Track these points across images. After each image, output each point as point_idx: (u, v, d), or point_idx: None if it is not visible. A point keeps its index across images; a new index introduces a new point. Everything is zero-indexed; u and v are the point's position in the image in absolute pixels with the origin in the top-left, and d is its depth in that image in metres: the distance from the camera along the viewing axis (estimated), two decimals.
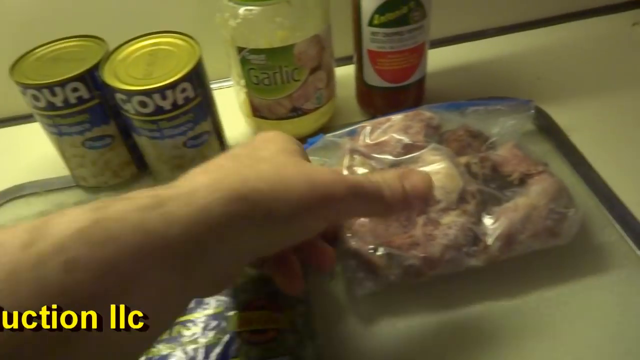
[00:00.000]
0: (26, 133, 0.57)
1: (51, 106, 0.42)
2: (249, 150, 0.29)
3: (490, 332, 0.35)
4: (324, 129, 0.53)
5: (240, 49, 0.44)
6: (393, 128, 0.42)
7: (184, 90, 0.41)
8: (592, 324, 0.35)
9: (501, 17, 0.65)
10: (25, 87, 0.42)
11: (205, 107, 0.44)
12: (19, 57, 0.44)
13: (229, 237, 0.23)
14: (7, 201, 0.50)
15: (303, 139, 0.44)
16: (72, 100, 0.42)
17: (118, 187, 0.49)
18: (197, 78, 0.42)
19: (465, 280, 0.37)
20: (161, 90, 0.40)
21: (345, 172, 0.39)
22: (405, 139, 0.41)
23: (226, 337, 0.32)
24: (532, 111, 0.45)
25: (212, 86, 0.57)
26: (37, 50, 0.45)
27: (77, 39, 0.46)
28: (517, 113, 0.45)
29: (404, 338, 0.36)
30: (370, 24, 0.45)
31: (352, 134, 0.44)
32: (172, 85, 0.40)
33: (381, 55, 0.47)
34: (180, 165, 0.46)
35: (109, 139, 0.46)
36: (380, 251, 0.36)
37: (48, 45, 0.45)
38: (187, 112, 0.42)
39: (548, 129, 0.50)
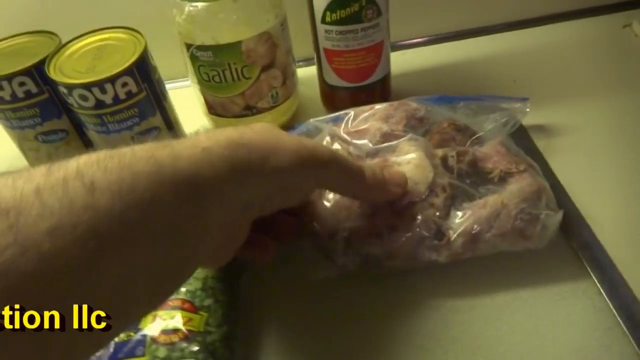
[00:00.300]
0: None
1: (0, 100, 0.43)
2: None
3: (440, 332, 0.34)
4: (284, 127, 0.52)
5: (188, 46, 0.44)
6: (375, 116, 0.42)
7: (125, 84, 0.41)
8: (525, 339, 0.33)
9: (482, 17, 0.62)
10: None
11: (153, 102, 0.44)
12: None
13: (231, 179, 0.25)
14: None
15: (288, 126, 0.45)
16: (20, 95, 0.43)
17: None
18: (140, 72, 0.41)
19: (425, 276, 0.36)
20: (100, 84, 0.40)
21: None
22: (385, 127, 0.40)
23: (137, 336, 0.32)
24: (528, 109, 0.44)
25: (177, 84, 0.57)
26: None
27: (32, 34, 0.46)
28: (510, 110, 0.43)
29: (348, 330, 0.35)
30: (323, 21, 0.44)
31: (337, 121, 0.43)
32: (111, 79, 0.40)
33: (337, 53, 0.46)
34: None
35: (62, 134, 0.46)
36: (339, 237, 0.35)
37: (4, 41, 0.46)
38: (131, 107, 0.42)
39: (517, 136, 0.48)
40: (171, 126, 0.47)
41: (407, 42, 0.62)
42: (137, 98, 0.42)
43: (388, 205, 0.35)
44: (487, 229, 0.34)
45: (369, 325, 0.35)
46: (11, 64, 0.43)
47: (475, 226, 0.34)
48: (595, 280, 0.35)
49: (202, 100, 0.49)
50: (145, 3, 0.55)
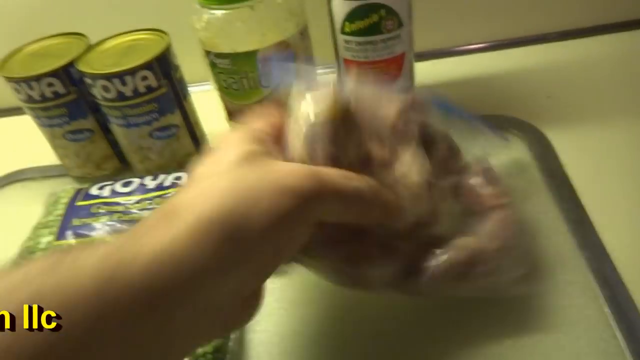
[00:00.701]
0: (30, 123, 0.61)
1: (30, 99, 0.45)
2: (207, 168, 0.26)
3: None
4: None
5: (207, 52, 0.44)
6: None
7: (144, 78, 0.42)
8: None
9: (516, 28, 0.59)
10: (7, 80, 0.45)
11: (172, 99, 0.45)
12: (9, 53, 0.47)
13: (202, 278, 0.21)
14: (8, 184, 0.54)
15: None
16: (48, 95, 0.45)
17: (102, 179, 0.51)
18: (160, 68, 0.43)
19: None
20: (120, 76, 0.42)
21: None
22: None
23: None
24: (507, 142, 0.41)
25: (202, 87, 0.58)
26: (26, 47, 0.48)
27: (63, 36, 0.48)
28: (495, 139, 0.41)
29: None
30: (343, 31, 0.43)
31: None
32: (131, 72, 0.42)
33: (356, 64, 0.45)
34: (148, 157, 0.47)
35: (88, 133, 0.48)
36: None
37: (36, 42, 0.48)
38: (150, 102, 0.43)
39: (543, 156, 0.45)
40: (191, 127, 0.48)
41: (434, 51, 0.60)
42: (157, 93, 0.43)
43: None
44: (458, 277, 0.32)
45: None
46: (42, 64, 0.45)
47: (447, 273, 0.32)
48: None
49: (223, 105, 0.49)
50: (172, 8, 0.56)
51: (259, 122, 0.30)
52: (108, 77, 0.42)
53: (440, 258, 0.32)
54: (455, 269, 0.32)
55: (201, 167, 0.27)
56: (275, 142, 0.29)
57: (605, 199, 0.41)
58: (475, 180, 0.37)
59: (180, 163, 0.49)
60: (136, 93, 0.43)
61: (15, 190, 0.54)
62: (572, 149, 0.45)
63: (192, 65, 0.48)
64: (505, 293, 0.33)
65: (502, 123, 0.49)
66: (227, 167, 0.25)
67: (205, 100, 0.51)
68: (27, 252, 0.41)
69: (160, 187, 0.44)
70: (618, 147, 0.45)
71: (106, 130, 0.49)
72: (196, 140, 0.49)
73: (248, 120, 0.30)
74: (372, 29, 0.42)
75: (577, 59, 0.56)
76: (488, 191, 0.36)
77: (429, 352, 0.33)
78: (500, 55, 0.59)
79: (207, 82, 0.59)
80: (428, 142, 0.36)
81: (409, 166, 0.33)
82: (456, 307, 0.34)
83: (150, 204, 0.42)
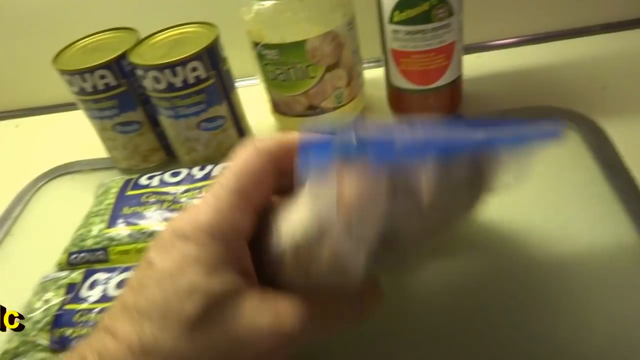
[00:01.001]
0: (81, 117, 0.63)
1: (83, 91, 0.46)
2: (133, 297, 0.22)
3: None
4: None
5: (255, 44, 0.44)
6: None
7: (194, 69, 0.43)
8: None
9: (569, 18, 0.58)
10: (61, 73, 0.46)
11: (220, 91, 0.45)
12: (63, 47, 0.48)
13: None
14: (56, 177, 0.55)
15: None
16: (100, 87, 0.46)
17: (148, 171, 0.52)
18: (209, 59, 0.44)
19: None
20: (171, 66, 0.42)
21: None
22: None
23: None
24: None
25: (247, 82, 0.59)
26: (79, 42, 0.49)
27: (114, 30, 0.49)
28: None
29: None
30: (391, 21, 0.43)
31: None
32: (182, 62, 0.42)
33: (404, 54, 0.44)
34: (194, 149, 0.47)
35: (137, 125, 0.49)
36: None
37: (89, 37, 0.49)
38: (199, 92, 0.44)
39: (599, 148, 0.44)
40: (237, 119, 0.48)
41: (484, 44, 0.59)
42: (205, 84, 0.44)
43: None
44: None
45: None
46: (94, 58, 0.46)
47: None
48: None
49: (268, 98, 0.49)
50: (220, 1, 0.57)
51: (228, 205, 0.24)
52: (159, 68, 0.42)
53: None
54: None
55: (128, 290, 0.23)
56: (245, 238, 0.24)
57: None
58: None
59: (225, 155, 0.49)
60: (186, 84, 0.43)
61: (64, 182, 0.55)
62: (629, 140, 0.44)
63: (237, 61, 0.49)
64: None
65: (554, 115, 0.47)
66: (161, 301, 0.21)
67: (249, 96, 0.52)
68: (79, 240, 0.42)
69: (207, 177, 0.44)
70: None
71: (154, 123, 0.49)
72: (241, 132, 0.49)
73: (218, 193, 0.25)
74: (423, 18, 0.42)
75: (630, 51, 0.54)
76: None
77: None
78: (549, 48, 0.57)
79: (251, 78, 0.60)
80: None
81: None
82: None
83: (199, 192, 0.43)
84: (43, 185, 0.55)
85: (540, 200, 0.40)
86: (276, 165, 0.26)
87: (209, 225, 0.23)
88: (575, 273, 0.35)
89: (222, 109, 0.46)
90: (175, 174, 0.45)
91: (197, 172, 0.45)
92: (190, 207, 0.25)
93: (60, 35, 0.50)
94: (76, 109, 0.64)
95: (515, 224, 0.35)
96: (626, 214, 0.38)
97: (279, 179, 0.26)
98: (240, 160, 0.26)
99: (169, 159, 0.53)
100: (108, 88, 0.46)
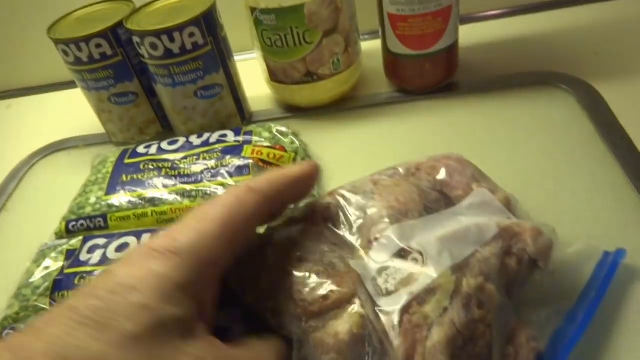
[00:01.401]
0: (74, 96, 0.62)
1: (78, 61, 0.46)
2: (77, 301, 0.21)
3: None
4: (346, 99, 0.51)
5: (252, 10, 0.44)
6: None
7: (192, 34, 0.43)
8: None
9: None
10: (56, 42, 0.45)
11: (217, 58, 0.45)
12: (58, 18, 0.48)
13: None
14: (51, 153, 0.55)
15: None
16: (96, 56, 0.45)
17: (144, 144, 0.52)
18: (206, 25, 0.43)
19: None
20: (169, 32, 0.42)
21: None
22: None
23: None
24: None
25: (243, 56, 0.58)
26: (74, 13, 0.49)
27: (111, 2, 0.49)
28: None
29: None
30: None
31: None
32: (180, 28, 0.42)
33: (401, 18, 0.45)
34: (192, 118, 0.47)
35: (133, 96, 0.49)
36: None
37: (86, 8, 0.49)
38: (196, 59, 0.44)
39: (595, 109, 0.44)
40: (234, 88, 0.48)
41: (479, 14, 0.60)
42: (203, 51, 0.44)
43: None
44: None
45: None
46: (90, 27, 0.45)
47: None
48: None
49: (265, 67, 0.49)
50: None
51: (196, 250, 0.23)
52: (156, 33, 0.42)
53: None
54: None
55: (83, 306, 0.20)
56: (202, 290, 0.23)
57: None
58: None
59: (222, 124, 0.49)
60: (183, 50, 0.43)
61: (59, 158, 0.54)
62: (622, 100, 0.44)
63: (233, 34, 0.49)
64: None
65: (550, 79, 0.48)
66: (116, 338, 0.19)
67: (246, 69, 0.52)
68: (77, 208, 0.42)
69: (205, 143, 0.44)
70: None
71: (150, 94, 0.49)
72: (238, 101, 0.49)
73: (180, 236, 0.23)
74: None
75: (620, 19, 0.55)
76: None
77: None
78: (542, 17, 0.58)
79: (247, 52, 0.60)
80: None
81: None
82: None
83: (197, 159, 0.42)
84: (38, 161, 0.54)
85: (539, 159, 0.41)
86: (268, 204, 0.26)
87: (187, 246, 0.22)
88: (576, 226, 0.35)
89: (219, 77, 0.46)
90: (172, 142, 0.45)
91: (195, 140, 0.45)
92: (171, 226, 0.24)
93: (54, 7, 0.49)
94: (70, 88, 0.64)
95: (514, 182, 0.35)
96: (622, 169, 0.38)
97: (269, 217, 0.27)
98: (232, 195, 0.25)
99: (166, 131, 0.52)
100: (104, 57, 0.46)
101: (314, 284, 0.28)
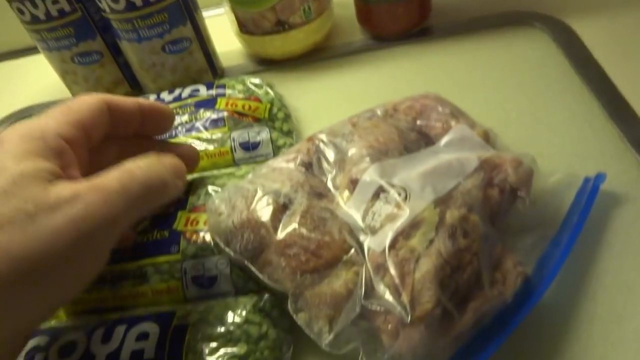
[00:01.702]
0: (36, 62, 0.59)
1: (35, 19, 0.43)
2: None
3: None
4: (319, 49, 0.50)
5: None
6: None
7: None
8: None
9: None
10: (11, 1, 0.43)
11: (183, 10, 0.43)
12: None
13: None
14: (16, 120, 0.53)
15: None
16: (54, 13, 0.43)
17: None
18: None
19: None
20: None
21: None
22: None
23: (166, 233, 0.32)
24: None
25: (212, 12, 0.56)
26: None
27: None
28: None
29: None
30: None
31: None
32: None
33: None
34: (161, 75, 0.45)
35: (97, 55, 0.47)
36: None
37: None
38: (161, 11, 0.42)
39: (570, 45, 0.44)
40: (203, 41, 0.46)
41: None
42: (167, 1, 0.42)
43: None
44: None
45: None
46: None
47: None
48: None
49: (234, 18, 0.47)
50: None
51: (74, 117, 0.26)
52: None
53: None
54: None
55: None
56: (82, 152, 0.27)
57: (636, 77, 0.40)
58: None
59: (193, 80, 0.47)
60: (146, 2, 0.41)
61: None
62: (597, 36, 0.44)
63: None
64: None
65: (524, 18, 0.47)
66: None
67: (214, 25, 0.50)
68: None
69: (177, 99, 0.42)
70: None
71: (116, 52, 0.47)
72: (208, 56, 0.47)
73: (63, 111, 0.27)
74: None
75: None
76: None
77: None
78: None
79: (214, 7, 0.58)
80: None
81: None
82: None
83: None
84: (1, 132, 0.52)
85: (516, 97, 0.41)
86: (111, 109, 0.28)
87: (27, 129, 0.25)
88: (555, 159, 0.35)
89: (186, 30, 0.44)
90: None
91: (166, 96, 0.43)
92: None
93: None
94: (32, 54, 0.61)
95: (493, 121, 0.35)
96: (597, 101, 0.39)
97: (113, 126, 0.29)
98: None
99: (135, 92, 0.50)
100: (62, 14, 0.43)
101: (307, 241, 0.27)
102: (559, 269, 0.27)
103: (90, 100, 0.28)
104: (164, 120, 0.33)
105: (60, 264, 0.22)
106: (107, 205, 0.23)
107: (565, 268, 0.27)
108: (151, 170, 0.26)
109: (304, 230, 0.27)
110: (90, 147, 0.28)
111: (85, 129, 0.27)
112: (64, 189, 0.23)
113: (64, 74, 0.48)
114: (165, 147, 0.33)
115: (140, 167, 0.26)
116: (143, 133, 0.32)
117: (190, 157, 0.33)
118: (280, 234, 0.28)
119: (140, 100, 0.31)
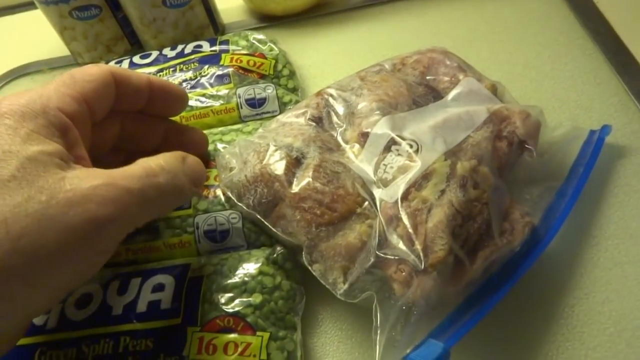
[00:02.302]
0: (33, 18, 0.58)
1: None
2: None
3: None
4: (321, 4, 0.49)
5: None
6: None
7: None
8: None
9: None
10: None
11: None
12: None
13: None
14: (14, 79, 0.52)
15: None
16: None
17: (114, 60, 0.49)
18: None
19: None
20: None
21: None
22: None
23: None
24: None
25: None
26: None
27: None
28: None
29: None
30: None
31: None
32: None
33: None
34: (162, 30, 0.45)
35: (95, 10, 0.45)
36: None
37: None
38: None
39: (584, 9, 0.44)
40: None
41: None
42: None
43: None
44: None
45: None
46: None
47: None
48: None
49: None
50: None
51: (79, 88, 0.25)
52: None
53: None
54: None
55: None
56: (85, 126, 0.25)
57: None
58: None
59: (195, 36, 0.47)
60: None
61: (22, 84, 0.51)
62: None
63: None
64: None
65: None
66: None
67: None
68: None
69: (180, 55, 0.42)
70: None
71: (115, 8, 0.46)
72: (210, 11, 0.46)
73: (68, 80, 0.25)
74: None
75: None
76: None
77: None
78: None
79: None
80: None
81: None
82: None
83: (174, 71, 0.41)
84: None
85: (522, 51, 0.41)
86: (117, 82, 0.27)
87: (27, 102, 0.23)
88: (560, 112, 0.36)
89: None
90: (145, 56, 0.43)
91: (168, 52, 0.43)
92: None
93: None
94: (28, 9, 0.60)
95: (498, 75, 0.35)
96: (603, 54, 0.39)
97: (117, 101, 0.27)
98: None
99: (135, 49, 0.50)
100: None
101: (321, 195, 0.28)
102: (564, 219, 0.28)
103: (96, 72, 0.26)
104: (174, 101, 0.31)
105: (65, 258, 0.21)
106: (124, 207, 0.22)
107: (570, 217, 0.28)
108: (174, 177, 0.25)
109: (318, 184, 0.28)
110: (94, 122, 0.26)
111: (89, 104, 0.25)
112: (80, 181, 0.21)
113: (62, 30, 0.47)
114: (174, 129, 0.32)
115: (163, 168, 0.24)
116: (150, 112, 0.30)
117: (199, 145, 0.32)
118: (295, 188, 0.28)
119: (152, 77, 0.29)
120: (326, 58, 0.45)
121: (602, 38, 0.40)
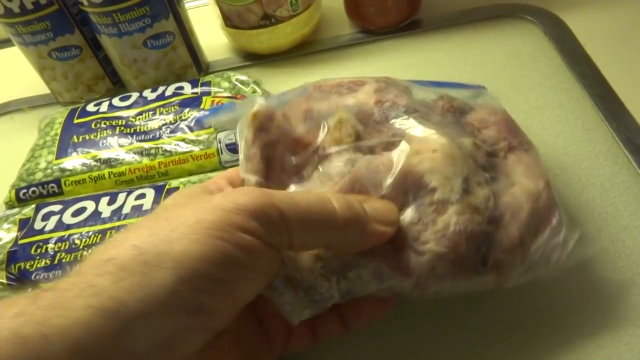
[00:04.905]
0: (12, 55, 0.57)
1: (10, 12, 0.41)
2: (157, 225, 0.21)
3: None
4: (307, 43, 0.49)
5: None
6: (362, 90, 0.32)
7: None
8: None
9: None
10: None
11: (165, 3, 0.42)
12: None
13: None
14: None
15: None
16: (29, 6, 0.41)
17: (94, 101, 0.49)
18: None
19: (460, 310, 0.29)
20: None
21: None
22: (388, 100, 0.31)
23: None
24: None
25: (194, 3, 0.54)
26: None
27: None
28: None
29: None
30: None
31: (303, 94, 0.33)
32: None
33: None
34: (143, 71, 0.44)
35: (76, 50, 0.45)
36: (319, 263, 0.25)
37: None
38: (142, 4, 0.41)
39: (561, 39, 0.43)
40: (187, 35, 0.45)
41: None
42: None
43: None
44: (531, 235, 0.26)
45: None
46: None
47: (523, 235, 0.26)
48: None
49: (219, 12, 0.46)
50: None
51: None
52: None
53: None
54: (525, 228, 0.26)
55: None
56: None
57: (628, 72, 0.39)
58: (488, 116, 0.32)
59: (177, 77, 0.46)
60: None
61: (2, 124, 0.50)
62: (588, 29, 0.44)
63: None
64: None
65: (515, 11, 0.47)
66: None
67: (198, 16, 0.48)
68: (27, 174, 0.39)
69: (161, 97, 0.41)
70: (636, 22, 0.43)
71: (96, 48, 0.45)
72: (193, 51, 0.46)
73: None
74: None
75: None
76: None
77: None
78: None
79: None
80: None
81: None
82: None
83: (154, 114, 0.40)
84: None
85: (507, 92, 0.40)
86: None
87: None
88: (546, 160, 0.35)
89: (169, 24, 0.43)
90: (125, 98, 0.42)
91: (149, 94, 0.42)
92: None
93: None
94: (6, 46, 0.59)
95: None
96: (590, 99, 0.38)
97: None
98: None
99: (116, 88, 0.49)
100: (38, 7, 0.41)
101: None
102: None
103: None
104: None
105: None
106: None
107: None
108: (352, 214, 0.23)
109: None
110: None
111: None
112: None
113: (41, 70, 0.46)
114: None
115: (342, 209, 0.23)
116: None
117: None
118: None
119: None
120: None
121: (590, 82, 0.39)
